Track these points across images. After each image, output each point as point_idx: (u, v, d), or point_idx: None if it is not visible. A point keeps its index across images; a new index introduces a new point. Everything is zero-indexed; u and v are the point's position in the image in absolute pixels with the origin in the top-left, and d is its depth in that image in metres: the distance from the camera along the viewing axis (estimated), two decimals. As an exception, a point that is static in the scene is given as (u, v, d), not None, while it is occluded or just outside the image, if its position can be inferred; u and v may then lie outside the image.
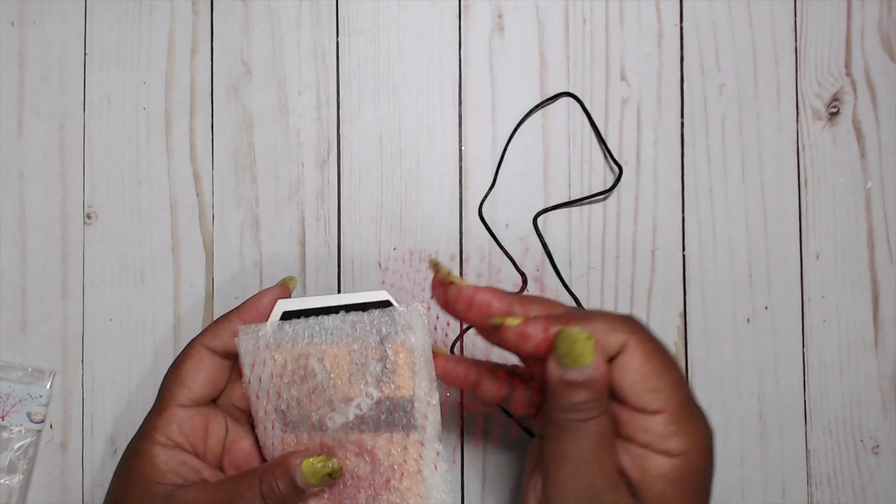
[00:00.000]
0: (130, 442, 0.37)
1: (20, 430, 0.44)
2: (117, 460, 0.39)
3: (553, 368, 0.31)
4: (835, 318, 0.46)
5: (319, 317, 0.37)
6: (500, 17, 0.46)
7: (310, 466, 0.35)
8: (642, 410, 0.31)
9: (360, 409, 0.36)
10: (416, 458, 0.36)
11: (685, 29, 0.46)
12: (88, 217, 0.45)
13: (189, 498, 0.35)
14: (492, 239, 0.45)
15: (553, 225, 0.45)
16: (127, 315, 0.45)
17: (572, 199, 0.45)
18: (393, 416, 0.36)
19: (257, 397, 0.37)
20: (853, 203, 0.46)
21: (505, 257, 0.45)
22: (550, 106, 0.46)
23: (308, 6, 0.46)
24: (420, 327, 0.36)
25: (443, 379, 0.36)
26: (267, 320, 0.37)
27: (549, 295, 0.45)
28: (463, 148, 0.46)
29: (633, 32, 0.46)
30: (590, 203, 0.45)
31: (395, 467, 0.36)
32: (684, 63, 0.46)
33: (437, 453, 0.36)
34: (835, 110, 0.46)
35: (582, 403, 0.30)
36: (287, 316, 0.37)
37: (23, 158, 0.45)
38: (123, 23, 0.46)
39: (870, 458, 0.45)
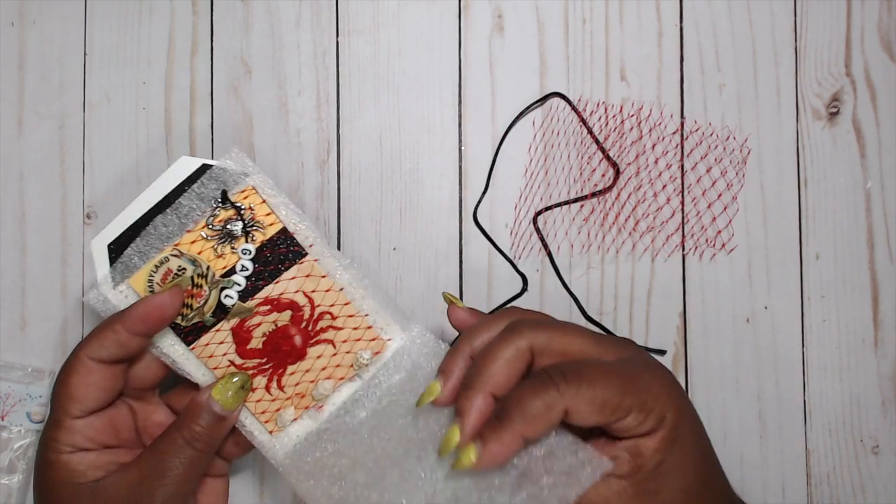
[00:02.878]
0: (38, 453, 0.37)
1: (20, 430, 0.44)
2: None
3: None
4: (835, 318, 0.46)
5: (149, 225, 0.35)
6: (500, 17, 0.46)
7: (220, 393, 0.36)
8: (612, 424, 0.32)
9: (246, 269, 0.35)
10: (322, 276, 0.35)
11: (685, 29, 0.46)
12: (88, 217, 0.45)
13: (115, 482, 0.35)
14: (492, 238, 0.45)
15: (553, 225, 0.45)
16: (127, 315, 0.45)
17: (572, 198, 0.45)
18: (279, 253, 0.35)
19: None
20: (853, 203, 0.46)
21: (504, 258, 0.45)
22: (550, 106, 0.46)
23: (308, 6, 0.46)
24: (247, 165, 0.35)
25: (459, 328, 0.37)
26: (148, 328, 0.36)
27: (549, 294, 0.45)
28: (463, 148, 0.46)
29: (633, 32, 0.46)
30: (590, 203, 0.45)
31: (310, 295, 0.35)
32: (684, 63, 0.46)
33: (335, 259, 0.35)
34: (835, 110, 0.46)
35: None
36: (117, 246, 0.36)
37: (23, 158, 0.45)
38: (123, 23, 0.46)
39: (869, 458, 0.45)
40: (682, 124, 0.46)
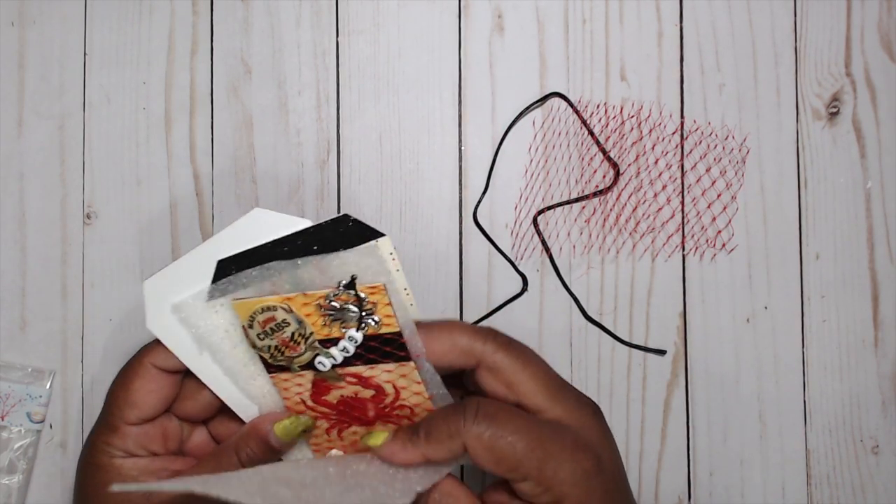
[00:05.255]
0: (85, 457, 0.36)
1: (20, 430, 0.44)
2: None
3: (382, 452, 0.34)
4: (835, 318, 0.46)
5: (272, 263, 0.35)
6: (500, 17, 0.46)
7: (282, 429, 0.36)
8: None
9: (347, 352, 0.35)
10: (417, 382, 0.35)
11: (685, 29, 0.46)
12: (88, 217, 0.45)
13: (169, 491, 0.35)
14: (492, 238, 0.45)
15: (553, 225, 0.45)
16: (127, 315, 0.45)
17: (572, 198, 0.45)
18: (384, 350, 0.35)
19: (228, 355, 0.36)
20: (853, 203, 0.46)
21: (504, 258, 0.45)
22: (551, 106, 0.46)
23: (308, 6, 0.46)
24: (389, 261, 0.34)
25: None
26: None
27: (549, 294, 0.45)
28: (463, 148, 0.46)
29: (633, 32, 0.46)
30: (590, 203, 0.45)
31: (399, 388, 0.35)
32: (684, 63, 0.46)
33: (436, 375, 0.35)
34: (835, 110, 0.46)
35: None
36: (222, 269, 0.35)
37: (23, 158, 0.45)
38: (123, 23, 0.46)
39: (870, 458, 0.45)
40: (681, 124, 0.46)
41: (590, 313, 0.45)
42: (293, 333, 0.35)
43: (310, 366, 0.35)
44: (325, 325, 0.35)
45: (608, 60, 0.46)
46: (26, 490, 0.44)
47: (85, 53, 0.46)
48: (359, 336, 0.34)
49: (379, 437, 0.34)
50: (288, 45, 0.46)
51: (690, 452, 0.45)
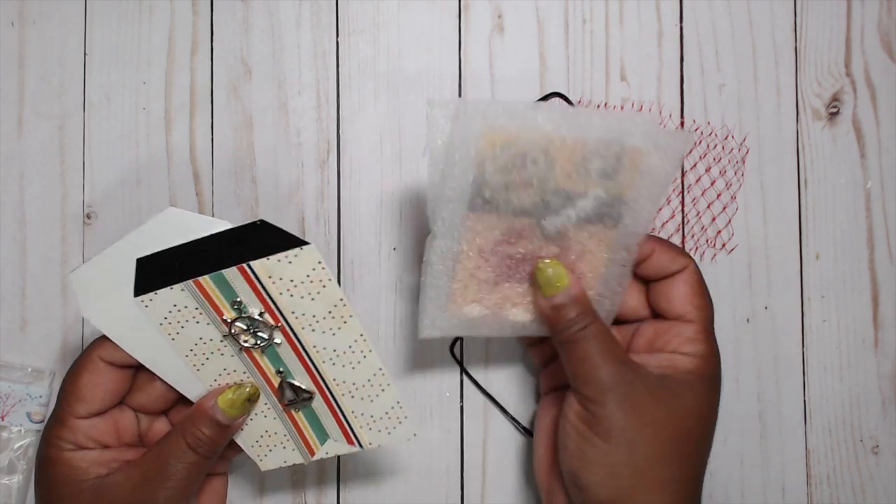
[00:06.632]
0: (39, 450, 0.37)
1: (20, 430, 0.44)
2: None
3: (542, 302, 0.37)
4: (835, 318, 0.46)
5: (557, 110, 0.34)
6: (500, 17, 0.46)
7: (226, 402, 0.36)
8: (680, 318, 0.38)
9: (583, 211, 0.35)
10: (604, 252, 0.36)
11: (685, 29, 0.46)
12: (88, 217, 0.45)
13: (119, 481, 0.35)
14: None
15: (553, 225, 0.45)
16: (127, 315, 0.45)
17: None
18: (601, 213, 0.35)
19: (444, 175, 0.34)
20: (853, 203, 0.46)
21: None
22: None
23: (308, 6, 0.46)
24: (677, 147, 0.34)
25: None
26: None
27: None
28: (463, 148, 0.46)
29: (633, 32, 0.46)
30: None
31: (583, 254, 0.36)
32: (684, 63, 0.46)
33: (628, 253, 0.36)
34: (835, 110, 0.46)
35: (576, 318, 0.36)
36: (141, 268, 0.35)
37: (23, 158, 0.45)
38: (123, 23, 0.46)
39: (870, 458, 0.45)
40: (681, 124, 0.46)
41: (590, 313, 0.45)
42: (532, 176, 0.34)
43: (531, 215, 0.35)
44: (570, 175, 0.34)
45: (608, 60, 0.46)
46: (26, 490, 0.44)
47: (85, 53, 0.46)
48: (601, 194, 0.35)
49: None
50: (288, 45, 0.46)
51: (690, 452, 0.45)
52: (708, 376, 0.37)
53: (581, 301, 0.36)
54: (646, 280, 0.39)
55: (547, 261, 0.36)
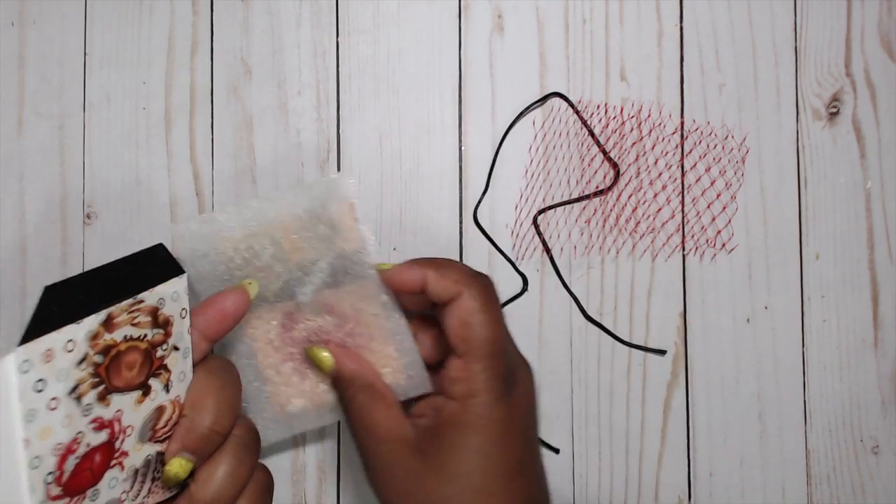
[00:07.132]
0: None
1: (20, 430, 0.44)
2: None
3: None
4: (835, 318, 0.46)
5: (258, 201, 0.36)
6: (500, 17, 0.46)
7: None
8: (455, 353, 0.34)
9: (323, 274, 0.36)
10: (372, 306, 0.37)
11: (685, 29, 0.46)
12: (88, 217, 0.45)
13: None
14: (492, 238, 0.45)
15: (554, 225, 0.45)
16: (127, 315, 0.45)
17: (572, 198, 0.45)
18: (343, 270, 0.36)
19: (199, 286, 0.36)
20: (853, 203, 0.46)
21: (505, 258, 0.45)
22: (551, 106, 0.46)
23: (308, 6, 0.46)
24: (354, 191, 0.36)
25: (397, 288, 0.36)
26: (226, 324, 0.35)
27: (549, 294, 0.45)
28: (463, 148, 0.46)
29: (633, 32, 0.46)
30: (590, 203, 0.45)
31: (357, 315, 0.37)
32: (684, 63, 0.46)
33: (387, 297, 0.37)
34: (835, 110, 0.46)
35: (346, 394, 0.36)
36: (47, 296, 0.31)
37: (23, 158, 0.45)
38: (123, 23, 0.46)
39: (870, 458, 0.45)
40: (681, 124, 0.46)
41: (590, 313, 0.45)
42: (269, 259, 0.36)
43: (287, 297, 0.37)
44: (299, 248, 0.36)
45: (608, 60, 0.46)
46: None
47: (85, 53, 0.46)
48: (330, 254, 0.36)
49: (387, 265, 0.36)
50: (288, 45, 0.46)
51: (690, 452, 0.45)
52: (471, 422, 0.33)
53: (344, 376, 0.36)
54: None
55: (310, 346, 0.37)
